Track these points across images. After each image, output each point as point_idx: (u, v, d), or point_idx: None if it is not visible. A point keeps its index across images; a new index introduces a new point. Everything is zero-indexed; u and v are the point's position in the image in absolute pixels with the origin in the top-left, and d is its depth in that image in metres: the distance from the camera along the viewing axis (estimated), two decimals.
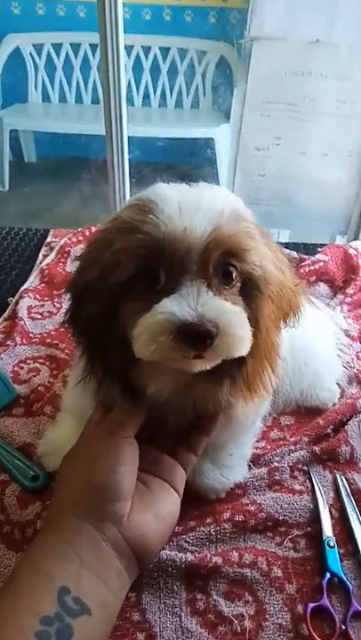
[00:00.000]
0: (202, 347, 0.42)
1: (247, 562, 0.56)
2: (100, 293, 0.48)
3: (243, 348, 0.45)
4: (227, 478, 0.63)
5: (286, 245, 1.15)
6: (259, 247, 0.48)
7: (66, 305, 0.54)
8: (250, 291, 0.48)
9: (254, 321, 0.47)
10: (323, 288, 1.01)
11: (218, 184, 0.56)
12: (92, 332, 0.50)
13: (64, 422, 0.68)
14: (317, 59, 1.10)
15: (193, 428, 0.56)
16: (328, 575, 0.55)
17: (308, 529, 0.60)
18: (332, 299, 1.00)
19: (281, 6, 1.03)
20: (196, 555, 0.56)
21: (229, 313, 0.44)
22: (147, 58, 3.27)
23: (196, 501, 0.62)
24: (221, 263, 0.46)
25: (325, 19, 1.05)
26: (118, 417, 0.52)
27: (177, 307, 0.42)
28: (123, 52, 1.20)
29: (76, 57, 3.31)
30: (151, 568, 0.54)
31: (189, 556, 0.56)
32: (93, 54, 3.23)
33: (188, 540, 0.58)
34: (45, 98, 3.44)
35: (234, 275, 0.47)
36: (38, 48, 3.30)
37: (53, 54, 3.31)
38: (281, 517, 0.61)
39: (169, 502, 0.52)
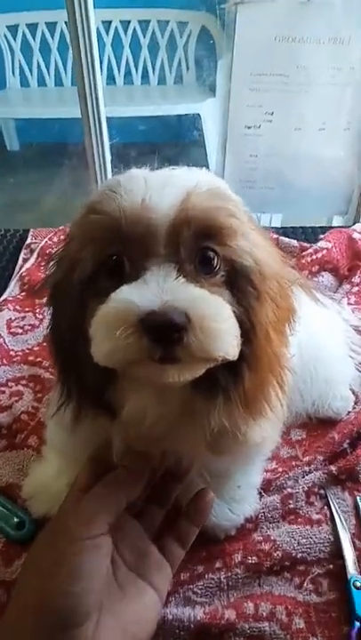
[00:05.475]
0: (169, 342, 0.34)
1: (264, 613, 0.50)
2: (67, 297, 0.41)
3: (226, 348, 0.36)
4: (236, 514, 0.56)
5: (284, 232, 1.06)
6: (245, 229, 0.40)
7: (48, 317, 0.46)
8: (241, 285, 0.40)
9: (249, 324, 0.39)
10: (326, 278, 0.92)
11: (207, 166, 0.48)
12: (65, 344, 0.43)
13: (49, 458, 0.61)
14: (310, 21, 0.97)
15: (182, 515, 0.49)
16: (358, 625, 0.49)
17: (331, 566, 0.54)
18: (336, 290, 0.91)
19: None
20: (206, 608, 0.50)
21: (203, 301, 0.36)
22: (126, 33, 3.15)
23: (203, 541, 0.54)
24: (198, 246, 0.38)
25: None
26: (93, 506, 0.43)
27: (136, 294, 0.35)
28: (93, 26, 1.10)
29: (52, 37, 3.17)
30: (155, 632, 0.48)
31: (198, 613, 0.49)
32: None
33: (196, 590, 0.52)
34: (24, 83, 3.32)
35: (215, 262, 0.39)
36: (13, 30, 3.17)
37: (29, 36, 3.18)
38: (299, 555, 0.54)
39: (144, 610, 0.43)
